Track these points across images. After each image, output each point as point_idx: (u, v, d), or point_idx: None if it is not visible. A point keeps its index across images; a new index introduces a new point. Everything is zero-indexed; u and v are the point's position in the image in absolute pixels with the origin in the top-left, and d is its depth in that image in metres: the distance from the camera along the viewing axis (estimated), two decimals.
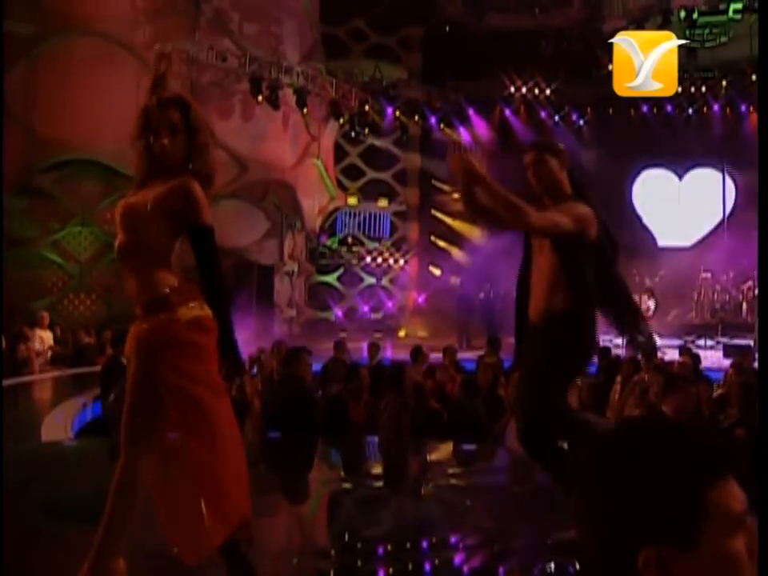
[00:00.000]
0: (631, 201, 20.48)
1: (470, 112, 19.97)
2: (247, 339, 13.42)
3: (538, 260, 3.74)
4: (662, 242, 20.22)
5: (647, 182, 20.59)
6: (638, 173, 20.53)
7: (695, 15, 16.59)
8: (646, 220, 20.49)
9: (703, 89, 19.07)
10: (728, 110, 19.18)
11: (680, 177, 20.32)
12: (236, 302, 15.41)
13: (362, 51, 19.89)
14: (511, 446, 6.65)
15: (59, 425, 7.08)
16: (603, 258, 3.67)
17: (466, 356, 12.23)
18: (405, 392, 6.29)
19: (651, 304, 18.08)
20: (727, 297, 16.57)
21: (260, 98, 15.90)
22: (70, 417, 7.57)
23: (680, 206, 20.15)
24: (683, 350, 10.16)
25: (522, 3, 17.86)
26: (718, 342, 15.58)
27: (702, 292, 17.18)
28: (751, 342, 15.05)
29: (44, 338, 11.51)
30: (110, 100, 15.52)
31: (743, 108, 18.91)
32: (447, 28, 18.46)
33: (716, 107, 19.20)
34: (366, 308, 20.18)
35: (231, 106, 16.31)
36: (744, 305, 16.28)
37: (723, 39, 18.13)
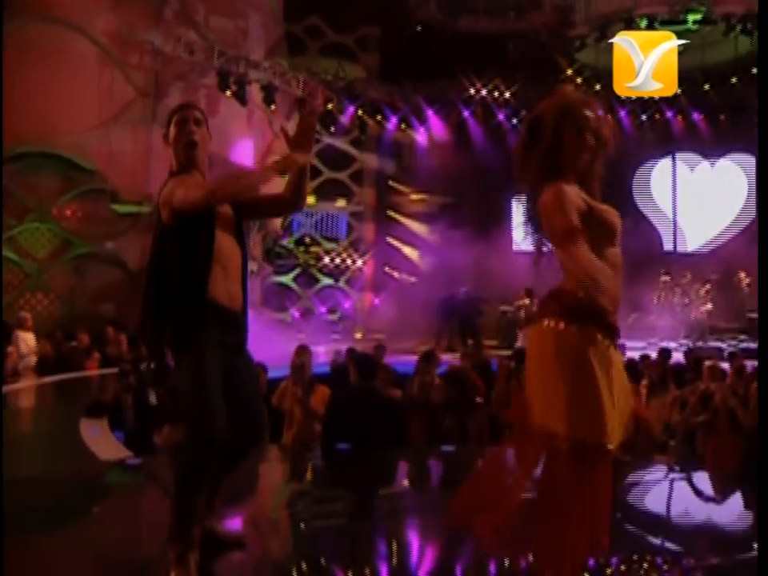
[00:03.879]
0: None
1: (429, 113, 19.89)
2: None
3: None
4: None
5: None
6: None
7: (657, 24, 16.85)
8: None
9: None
10: (680, 117, 19.66)
11: None
12: None
13: (319, 49, 19.61)
14: None
15: (99, 440, 6.48)
16: None
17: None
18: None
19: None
20: (686, 300, 16.87)
21: (228, 92, 15.45)
22: (105, 430, 6.98)
23: None
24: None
25: (496, 6, 17.87)
26: (680, 345, 15.86)
27: (662, 295, 17.48)
28: (723, 345, 15.48)
29: (27, 340, 10.80)
30: (69, 90, 14.90)
31: (695, 116, 19.40)
32: (419, 28, 18.32)
33: (669, 114, 19.65)
34: (323, 309, 19.87)
35: (196, 101, 15.75)
36: (702, 308, 16.63)
37: (679, 48, 18.49)
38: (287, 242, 19.75)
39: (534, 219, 2.85)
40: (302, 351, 7.59)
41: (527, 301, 16.36)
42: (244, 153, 16.63)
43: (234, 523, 4.23)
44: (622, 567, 3.58)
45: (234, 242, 3.41)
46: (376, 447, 6.07)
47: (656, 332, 16.57)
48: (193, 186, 3.28)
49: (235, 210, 3.48)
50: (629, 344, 15.59)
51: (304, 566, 3.62)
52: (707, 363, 7.77)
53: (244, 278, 3.42)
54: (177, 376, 3.39)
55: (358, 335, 19.37)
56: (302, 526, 4.38)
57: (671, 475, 6.03)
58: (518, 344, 15.68)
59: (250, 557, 3.68)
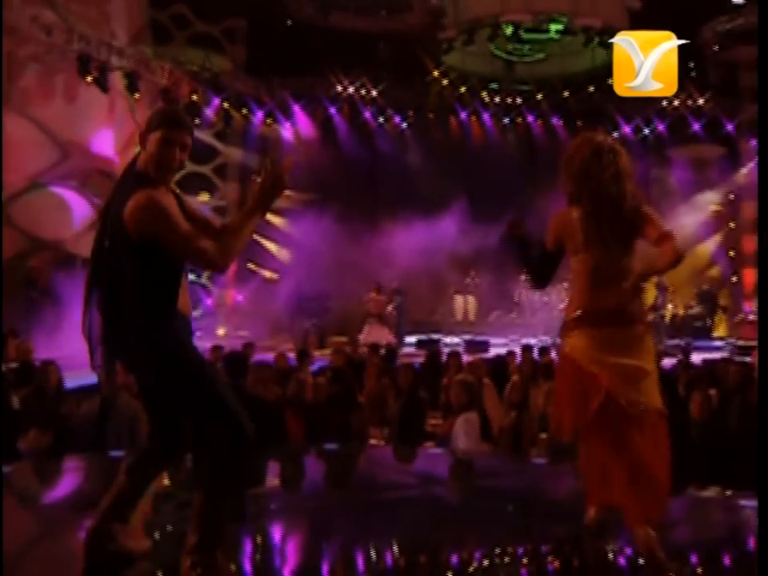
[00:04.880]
0: None
1: (295, 108, 19.73)
2: (68, 336, 12.49)
3: None
4: None
5: None
6: None
7: (522, 32, 17.37)
8: None
9: (519, 100, 20.12)
10: (540, 121, 20.35)
11: None
12: (56, 297, 14.24)
13: (185, 38, 19.07)
14: (456, 447, 6.64)
15: None
16: None
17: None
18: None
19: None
20: (546, 298, 17.45)
21: (89, 78, 14.75)
22: None
23: None
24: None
25: (368, 5, 17.88)
26: (540, 341, 16.40)
27: (522, 293, 18.04)
28: None
29: None
30: None
31: (555, 120, 20.13)
32: (289, 23, 18.10)
33: (530, 118, 20.31)
34: None
35: (53, 85, 14.99)
36: (561, 305, 17.22)
37: (540, 56, 19.17)
38: None
39: None
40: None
41: (374, 295, 16.64)
42: (104, 143, 15.95)
43: None
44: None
45: None
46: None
47: (517, 329, 17.09)
48: (206, 240, 3.21)
49: None
50: (492, 341, 16.13)
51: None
52: None
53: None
54: (175, 388, 3.26)
55: (221, 332, 19.00)
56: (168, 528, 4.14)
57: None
58: (362, 337, 15.88)
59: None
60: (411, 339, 16.79)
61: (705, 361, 11.18)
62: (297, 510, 4.60)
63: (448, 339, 16.86)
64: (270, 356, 10.01)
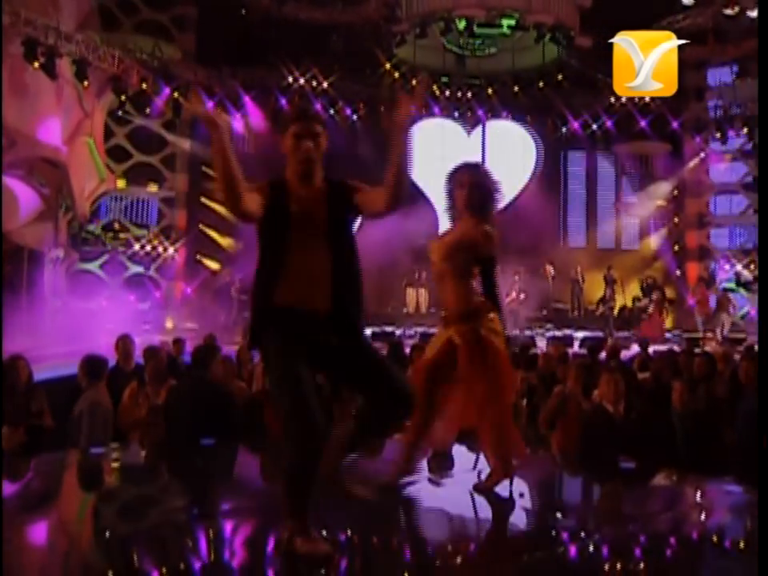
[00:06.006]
0: None
1: (246, 99, 19.51)
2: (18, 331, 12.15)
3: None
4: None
5: None
6: None
7: (475, 26, 17.46)
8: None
9: (469, 94, 20.25)
10: (490, 115, 20.51)
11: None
12: (5, 291, 13.85)
13: (133, 25, 18.72)
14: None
15: None
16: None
17: None
18: None
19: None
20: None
21: (36, 64, 14.35)
22: None
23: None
24: None
25: None
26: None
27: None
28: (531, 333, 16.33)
29: None
30: None
31: (504, 114, 20.31)
32: (243, 11, 17.86)
33: (480, 112, 20.45)
34: (132, 297, 18.99)
35: None
36: (521, 295, 17.34)
37: (492, 51, 19.32)
38: (94, 227, 18.72)
39: None
40: (153, 351, 7.20)
41: None
42: (51, 131, 15.55)
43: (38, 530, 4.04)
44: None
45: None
46: (217, 439, 5.86)
47: None
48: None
49: None
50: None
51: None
52: (544, 350, 8.11)
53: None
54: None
55: (169, 325, 18.73)
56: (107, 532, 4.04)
57: None
58: None
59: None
60: (367, 332, 16.75)
61: (656, 352, 11.40)
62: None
63: (399, 332, 16.90)
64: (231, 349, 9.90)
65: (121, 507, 4.58)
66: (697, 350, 10.17)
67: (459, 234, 4.59)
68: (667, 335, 16.85)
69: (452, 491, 4.76)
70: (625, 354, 10.73)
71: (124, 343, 7.49)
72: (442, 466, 5.18)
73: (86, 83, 15.52)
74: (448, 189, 4.64)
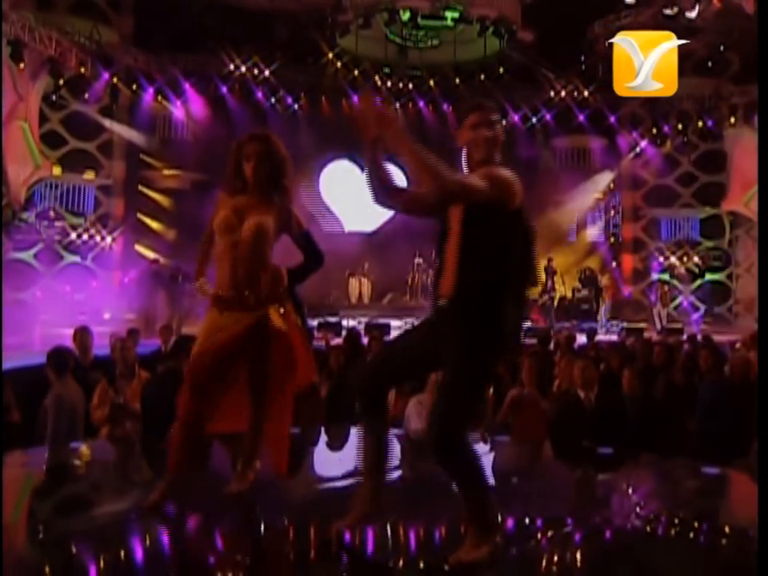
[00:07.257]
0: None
1: (186, 86, 19.19)
2: None
3: (452, 231, 3.42)
4: (348, 228, 21.10)
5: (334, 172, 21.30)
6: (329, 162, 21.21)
7: (419, 18, 17.49)
8: (333, 207, 21.26)
9: (410, 86, 20.30)
10: (431, 107, 20.59)
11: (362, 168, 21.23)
12: None
13: (68, 6, 18.16)
14: (408, 428, 6.65)
15: None
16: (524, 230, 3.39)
17: None
18: None
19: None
20: None
21: None
22: None
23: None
24: None
25: None
26: None
27: (416, 277, 18.28)
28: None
29: None
30: None
31: (445, 107, 20.40)
32: None
33: (421, 104, 20.52)
34: (67, 288, 18.51)
35: None
36: None
37: (434, 42, 19.37)
38: (28, 215, 18.16)
39: None
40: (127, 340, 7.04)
41: None
42: None
43: None
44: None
45: None
46: None
47: (413, 312, 17.27)
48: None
49: None
50: (393, 324, 16.26)
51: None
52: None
53: None
54: None
55: (107, 316, 18.32)
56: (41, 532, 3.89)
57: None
58: None
59: None
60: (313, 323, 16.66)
61: (602, 342, 11.67)
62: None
63: (344, 323, 16.86)
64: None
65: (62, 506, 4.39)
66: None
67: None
68: (607, 325, 17.26)
69: None
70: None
71: (81, 335, 7.32)
72: None
73: (21, 65, 15.02)
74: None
